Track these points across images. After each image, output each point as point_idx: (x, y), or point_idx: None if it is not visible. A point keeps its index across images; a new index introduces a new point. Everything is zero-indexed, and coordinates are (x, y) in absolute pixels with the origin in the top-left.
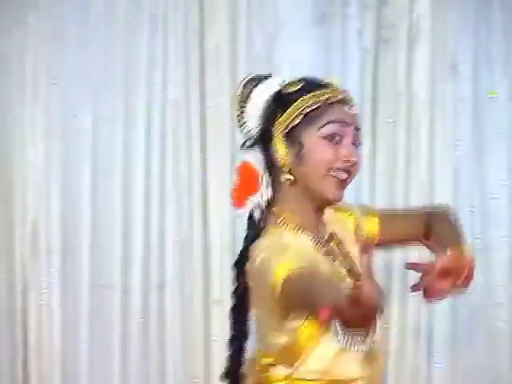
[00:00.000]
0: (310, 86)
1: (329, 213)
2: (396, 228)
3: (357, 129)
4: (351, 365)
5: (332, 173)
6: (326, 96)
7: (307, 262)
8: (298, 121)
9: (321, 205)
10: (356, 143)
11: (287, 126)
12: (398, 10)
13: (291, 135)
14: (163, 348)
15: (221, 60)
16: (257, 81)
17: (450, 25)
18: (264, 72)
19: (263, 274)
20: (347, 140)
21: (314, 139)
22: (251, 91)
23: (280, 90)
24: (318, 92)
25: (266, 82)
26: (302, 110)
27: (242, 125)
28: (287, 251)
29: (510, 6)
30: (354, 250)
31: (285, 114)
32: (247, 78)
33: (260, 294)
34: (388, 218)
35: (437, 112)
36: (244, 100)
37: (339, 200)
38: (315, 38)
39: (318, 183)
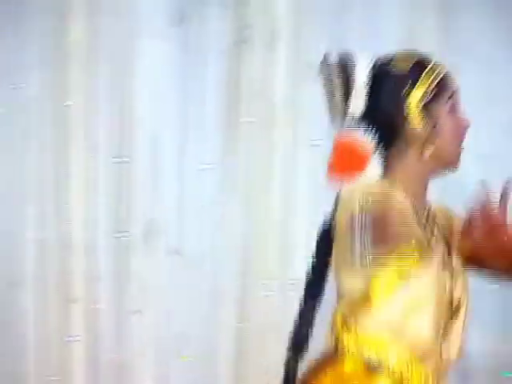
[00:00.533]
0: (423, 59)
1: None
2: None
3: None
4: (424, 328)
5: (461, 142)
6: (441, 67)
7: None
8: (430, 94)
9: (436, 175)
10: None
11: (421, 100)
12: (256, 10)
13: (424, 109)
14: (19, 347)
15: (82, 57)
16: (345, 61)
17: (308, 25)
18: (125, 69)
19: (345, 205)
20: (461, 106)
21: (444, 112)
22: (349, 72)
23: (386, 64)
24: (434, 65)
25: (359, 62)
26: (432, 83)
27: (346, 107)
28: (375, 192)
29: (368, 6)
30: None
31: (416, 89)
32: (333, 62)
33: (340, 227)
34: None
35: (297, 112)
36: (344, 82)
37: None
38: (175, 38)
39: (450, 154)
